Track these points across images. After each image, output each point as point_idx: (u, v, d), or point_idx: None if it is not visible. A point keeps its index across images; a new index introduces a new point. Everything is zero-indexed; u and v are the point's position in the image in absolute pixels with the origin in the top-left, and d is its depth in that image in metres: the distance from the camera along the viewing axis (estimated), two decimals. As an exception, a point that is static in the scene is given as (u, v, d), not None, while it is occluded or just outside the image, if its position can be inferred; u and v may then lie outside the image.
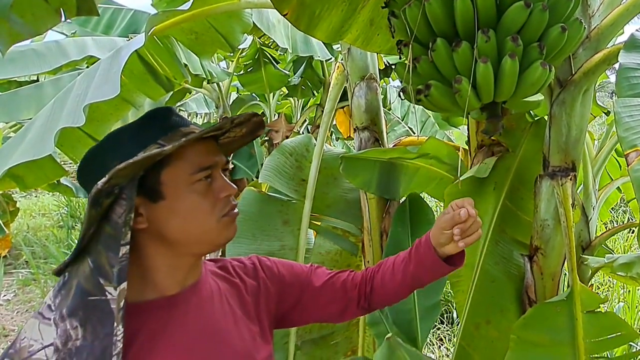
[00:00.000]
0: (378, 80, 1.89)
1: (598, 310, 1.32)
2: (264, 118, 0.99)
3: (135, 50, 1.76)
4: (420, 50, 0.89)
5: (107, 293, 0.77)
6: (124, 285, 0.77)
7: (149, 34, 1.74)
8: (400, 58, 0.98)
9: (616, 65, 1.08)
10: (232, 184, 0.91)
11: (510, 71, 0.84)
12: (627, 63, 0.95)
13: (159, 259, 0.87)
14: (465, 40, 0.84)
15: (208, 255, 1.02)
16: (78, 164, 0.88)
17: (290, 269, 1.08)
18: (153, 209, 0.84)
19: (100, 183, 0.76)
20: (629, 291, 3.84)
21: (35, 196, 9.49)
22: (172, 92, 2.90)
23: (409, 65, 0.86)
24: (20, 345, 0.78)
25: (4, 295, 5.13)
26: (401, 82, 0.99)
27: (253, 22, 2.21)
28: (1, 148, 1.81)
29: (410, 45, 0.86)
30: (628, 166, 0.90)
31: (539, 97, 1.30)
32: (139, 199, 0.83)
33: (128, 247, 0.79)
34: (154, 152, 0.79)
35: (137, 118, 0.90)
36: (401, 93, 0.95)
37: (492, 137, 1.57)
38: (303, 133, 4.65)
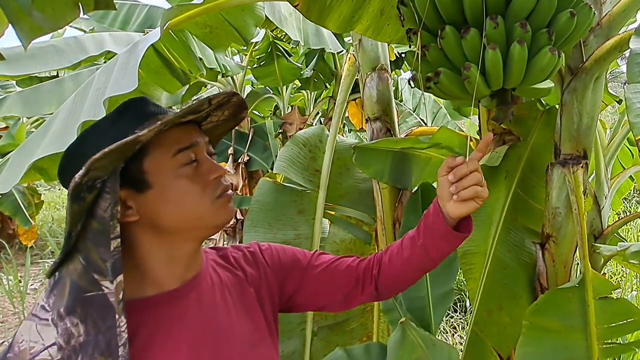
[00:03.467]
0: (389, 71, 1.91)
1: (610, 296, 1.33)
2: (242, 99, 0.95)
3: (152, 45, 1.81)
4: (429, 38, 0.90)
5: (103, 287, 0.76)
6: (120, 277, 0.76)
7: (164, 28, 1.78)
8: (410, 47, 0.99)
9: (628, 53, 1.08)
10: (220, 165, 0.89)
11: (519, 57, 0.85)
12: (639, 49, 0.95)
13: (156, 252, 0.85)
14: (473, 27, 0.85)
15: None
16: (58, 164, 0.86)
17: (292, 255, 1.06)
18: (142, 199, 0.83)
19: (77, 176, 0.74)
20: (643, 280, 3.81)
21: (59, 189, 9.73)
22: (187, 86, 2.95)
23: (418, 53, 0.88)
24: (19, 349, 0.76)
25: (31, 285, 5.29)
26: (412, 71, 1.00)
27: (265, 15, 2.24)
28: (25, 142, 1.88)
29: (419, 33, 0.88)
30: (639, 151, 0.91)
31: (549, 84, 1.30)
32: (125, 191, 0.81)
33: (119, 240, 0.77)
34: (129, 139, 0.76)
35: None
36: (411, 81, 0.97)
37: (503, 126, 1.58)
38: (316, 125, 4.68)
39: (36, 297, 5.09)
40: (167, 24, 1.78)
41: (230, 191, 0.90)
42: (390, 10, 1.27)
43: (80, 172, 0.74)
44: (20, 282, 5.10)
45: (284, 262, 1.04)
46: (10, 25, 0.91)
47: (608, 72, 1.65)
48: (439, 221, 0.96)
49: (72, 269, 0.79)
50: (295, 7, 1.10)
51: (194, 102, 0.87)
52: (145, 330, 0.82)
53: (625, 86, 0.93)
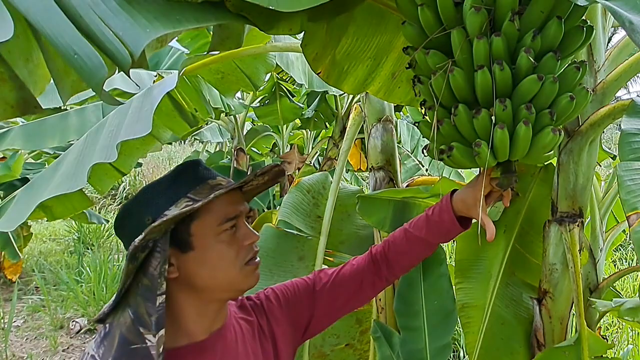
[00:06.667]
0: (393, 122, 1.98)
1: (605, 356, 1.36)
2: (283, 169, 1.06)
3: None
4: (443, 113, 0.97)
5: (146, 340, 0.83)
6: (162, 332, 0.83)
7: (181, 74, 1.85)
8: (423, 117, 1.06)
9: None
10: (254, 231, 0.96)
11: (525, 136, 0.92)
12: (629, 129, 1.02)
13: (188, 306, 0.92)
14: (484, 106, 0.93)
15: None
16: (115, 217, 0.95)
17: (294, 288, 1.12)
18: (183, 259, 0.90)
19: (137, 240, 0.82)
20: (638, 333, 3.82)
21: (47, 221, 9.40)
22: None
23: (433, 128, 0.95)
24: None
25: (14, 322, 5.03)
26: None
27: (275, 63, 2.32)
28: (32, 180, 1.90)
29: (435, 112, 0.95)
30: (629, 228, 0.96)
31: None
32: (170, 250, 0.88)
33: (164, 296, 0.84)
34: (186, 210, 0.85)
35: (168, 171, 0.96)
36: (424, 150, 1.03)
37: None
38: (313, 164, 4.73)
39: (18, 335, 4.85)
40: (183, 71, 1.86)
41: (258, 258, 0.97)
42: (401, 74, 1.35)
43: (140, 237, 0.82)
44: (4, 318, 4.87)
45: (290, 299, 1.10)
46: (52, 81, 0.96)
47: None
48: (456, 228, 1.14)
49: (122, 321, 0.86)
50: (317, 74, 1.17)
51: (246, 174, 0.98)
52: None
53: (617, 164, 0.99)
